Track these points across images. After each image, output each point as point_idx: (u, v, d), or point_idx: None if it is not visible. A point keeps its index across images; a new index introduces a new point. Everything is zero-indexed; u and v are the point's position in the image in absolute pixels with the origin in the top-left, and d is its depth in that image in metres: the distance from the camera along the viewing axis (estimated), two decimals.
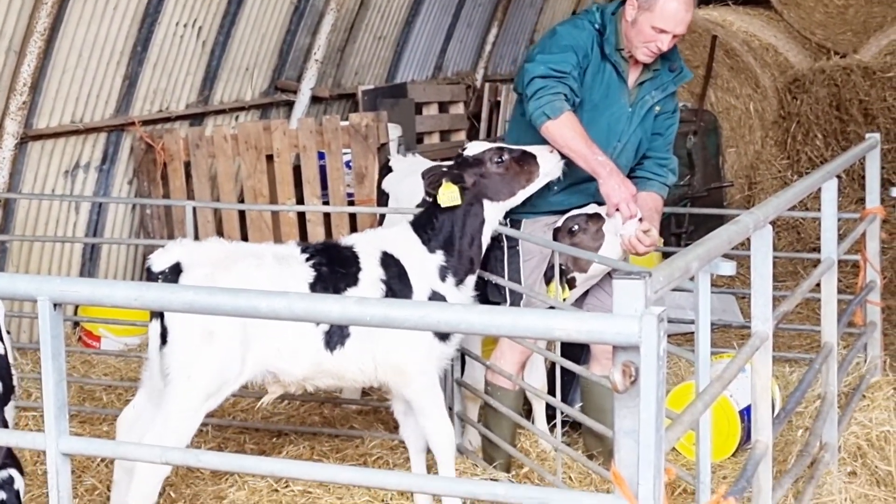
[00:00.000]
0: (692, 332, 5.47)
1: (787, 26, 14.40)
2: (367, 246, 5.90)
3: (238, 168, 9.66)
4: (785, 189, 5.24)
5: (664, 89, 6.15)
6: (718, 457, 6.52)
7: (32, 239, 8.73)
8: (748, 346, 4.31)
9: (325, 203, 9.20)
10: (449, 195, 5.78)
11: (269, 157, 9.36)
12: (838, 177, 6.13)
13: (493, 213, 5.92)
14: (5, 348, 4.78)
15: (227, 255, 5.70)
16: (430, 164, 8.09)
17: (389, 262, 5.81)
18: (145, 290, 3.41)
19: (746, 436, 6.61)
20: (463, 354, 6.72)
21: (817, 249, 6.45)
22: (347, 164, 9.23)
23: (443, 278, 5.85)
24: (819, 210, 6.08)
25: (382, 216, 7.79)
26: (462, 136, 13.97)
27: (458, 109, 14.06)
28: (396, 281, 5.78)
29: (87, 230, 9.47)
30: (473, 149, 5.96)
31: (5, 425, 4.41)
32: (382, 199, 8.08)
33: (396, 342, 5.69)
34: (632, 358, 2.90)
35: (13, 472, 4.35)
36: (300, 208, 8.87)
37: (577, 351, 6.88)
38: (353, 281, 5.72)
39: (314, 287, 5.64)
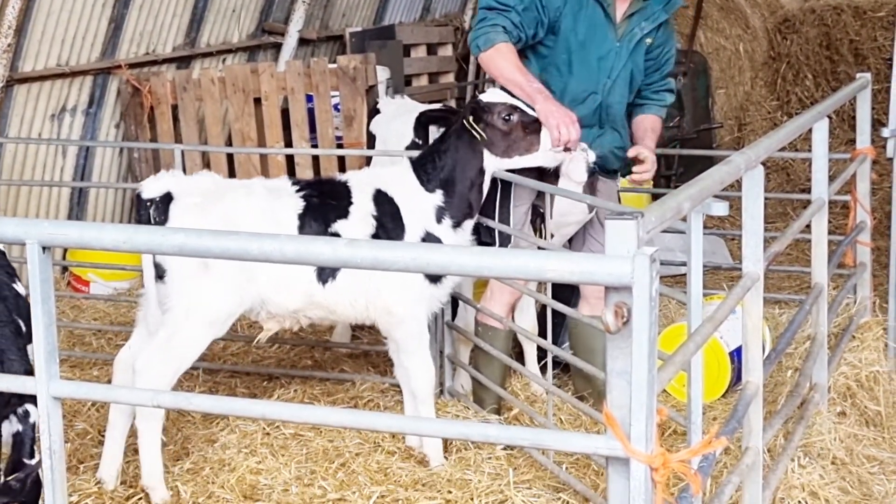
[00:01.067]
0: (682, 274, 5.47)
1: None
2: (361, 182, 5.92)
3: (226, 111, 9.61)
4: (776, 130, 5.22)
5: (654, 19, 6.09)
6: (709, 398, 6.55)
7: (19, 183, 8.69)
8: (739, 286, 4.31)
9: (314, 146, 9.17)
10: (476, 129, 5.82)
11: (257, 100, 9.31)
12: (829, 117, 6.11)
13: (492, 165, 5.90)
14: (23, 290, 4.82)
15: (217, 187, 5.76)
16: (418, 105, 8.07)
17: (382, 199, 5.82)
18: (134, 232, 3.39)
19: (736, 377, 6.63)
20: (454, 297, 6.72)
21: (807, 190, 6.44)
22: (336, 107, 9.18)
23: (439, 219, 5.85)
24: (809, 151, 6.06)
25: (370, 159, 7.77)
26: (450, 77, 13.91)
27: (447, 51, 13.98)
28: (388, 218, 5.78)
29: (75, 174, 9.43)
30: (489, 96, 5.93)
31: (29, 364, 4.45)
32: (370, 141, 8.05)
33: (387, 282, 5.71)
34: (624, 299, 2.89)
35: (29, 406, 4.46)
36: (288, 151, 8.83)
37: (567, 293, 6.88)
38: (343, 214, 5.74)
39: (303, 217, 5.68)
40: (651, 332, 2.90)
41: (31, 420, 4.51)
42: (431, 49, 13.66)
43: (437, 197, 5.85)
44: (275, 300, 5.72)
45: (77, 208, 9.48)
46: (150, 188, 5.65)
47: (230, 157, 9.20)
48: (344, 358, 7.59)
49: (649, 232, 3.06)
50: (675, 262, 8.18)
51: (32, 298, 3.46)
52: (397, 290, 5.75)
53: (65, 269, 9.21)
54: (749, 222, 4.43)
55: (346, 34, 12.05)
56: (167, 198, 5.61)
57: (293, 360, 7.65)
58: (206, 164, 9.23)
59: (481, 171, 5.88)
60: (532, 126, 5.82)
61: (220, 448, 6.13)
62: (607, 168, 6.26)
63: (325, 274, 5.69)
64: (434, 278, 5.80)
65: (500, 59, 5.83)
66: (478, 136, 5.80)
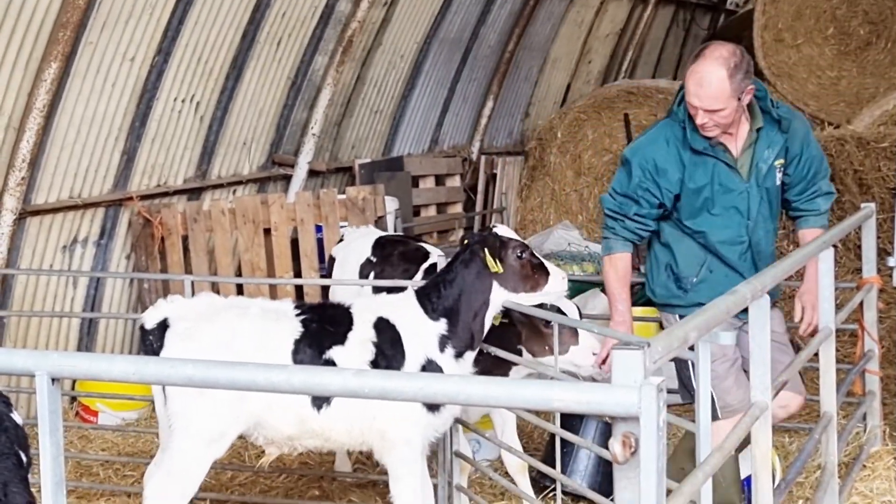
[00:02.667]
0: (691, 403, 5.46)
1: (781, 97, 14.46)
2: (364, 308, 5.94)
3: (236, 242, 9.68)
4: (781, 259, 5.25)
5: (774, 143, 5.92)
6: None
7: (30, 314, 8.73)
8: (748, 416, 4.30)
9: (323, 276, 9.21)
10: (491, 262, 5.86)
11: (267, 231, 9.39)
12: (834, 246, 6.14)
13: (498, 298, 5.95)
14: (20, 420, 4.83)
15: (213, 307, 5.82)
16: (377, 231, 8.21)
17: (383, 326, 5.82)
18: (143, 364, 3.40)
19: None
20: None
21: None
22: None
23: (441, 348, 5.84)
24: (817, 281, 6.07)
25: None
26: (458, 208, 14.02)
27: (455, 182, 14.12)
28: (388, 345, 5.78)
29: (85, 305, 9.47)
30: (502, 231, 6.05)
31: (31, 496, 4.43)
32: (330, 264, 8.13)
33: (384, 407, 5.67)
34: (631, 428, 2.89)
35: None
36: (298, 281, 8.88)
37: (575, 421, 6.88)
38: (341, 340, 5.75)
39: (299, 343, 5.71)
40: (659, 462, 2.89)
41: None
42: (439, 180, 13.80)
43: (441, 325, 5.86)
44: (269, 423, 5.72)
45: (87, 338, 9.51)
46: (151, 318, 5.78)
47: (240, 286, 9.25)
48: (352, 487, 7.54)
49: (656, 362, 3.07)
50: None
51: (41, 429, 3.46)
52: (394, 416, 5.71)
53: (73, 399, 9.20)
54: (756, 351, 4.43)
55: (356, 165, 12.19)
56: (163, 325, 5.72)
57: (301, 489, 7.60)
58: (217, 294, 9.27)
59: (486, 303, 5.92)
60: (539, 267, 5.98)
61: None
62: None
63: (320, 399, 5.68)
64: (432, 406, 5.77)
65: (609, 269, 6.05)
66: (497, 268, 5.87)
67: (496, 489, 7.31)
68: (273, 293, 9.26)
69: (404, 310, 5.91)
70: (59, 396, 3.50)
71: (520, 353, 6.46)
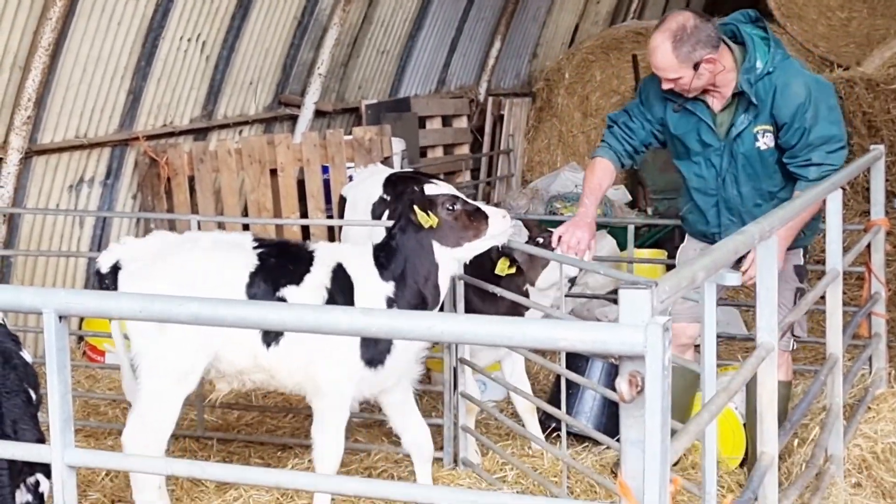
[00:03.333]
0: (697, 345, 5.46)
1: (791, 39, 14.36)
2: (326, 253, 5.94)
3: (242, 182, 9.67)
4: (790, 200, 5.24)
5: (752, 109, 5.98)
6: (725, 468, 6.50)
7: (37, 253, 8.74)
8: (753, 357, 4.30)
9: (329, 217, 9.21)
10: (424, 217, 5.77)
11: (273, 171, 9.38)
12: (843, 189, 6.12)
13: (446, 258, 5.85)
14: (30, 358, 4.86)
15: (165, 245, 5.85)
16: (389, 170, 8.16)
17: (340, 276, 5.83)
18: (150, 302, 3.41)
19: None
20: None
21: (823, 261, 6.44)
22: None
23: (389, 307, 5.80)
24: (824, 222, 6.07)
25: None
26: (465, 149, 13.98)
27: (462, 123, 14.07)
28: (340, 296, 5.78)
29: (92, 244, 9.48)
30: (432, 189, 5.98)
31: (41, 433, 4.47)
32: (341, 204, 8.09)
33: (322, 354, 5.70)
34: (637, 367, 2.89)
35: (40, 476, 4.48)
36: (304, 222, 8.88)
37: (580, 362, 6.90)
38: (297, 280, 5.76)
39: (254, 276, 5.73)
40: (664, 401, 2.90)
41: (41, 490, 4.51)
42: (447, 121, 13.75)
43: (389, 287, 5.83)
44: (225, 357, 5.76)
45: (93, 278, 9.51)
46: (104, 261, 5.83)
47: (246, 227, 9.24)
48: (358, 428, 7.57)
49: (663, 301, 3.07)
50: None
51: (48, 367, 3.47)
52: (330, 364, 5.73)
53: (80, 338, 9.23)
54: (763, 292, 4.43)
55: (362, 106, 12.14)
56: (115, 268, 5.77)
57: (307, 429, 7.61)
58: None
59: (434, 264, 5.83)
60: (475, 214, 5.83)
61: None
62: None
63: (270, 337, 5.71)
64: (373, 363, 5.78)
65: (588, 171, 6.38)
66: (431, 220, 5.75)
67: (502, 430, 7.34)
68: (280, 234, 9.26)
69: (362, 264, 5.88)
70: (67, 334, 3.51)
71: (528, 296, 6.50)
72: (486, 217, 5.81)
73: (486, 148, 14.44)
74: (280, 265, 5.80)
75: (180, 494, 6.42)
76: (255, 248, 5.85)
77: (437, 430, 7.11)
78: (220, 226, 9.22)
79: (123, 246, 5.93)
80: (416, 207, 5.77)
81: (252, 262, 5.77)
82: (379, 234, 7.10)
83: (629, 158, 6.33)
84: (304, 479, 3.82)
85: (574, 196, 11.78)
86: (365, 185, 7.81)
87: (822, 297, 5.95)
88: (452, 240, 5.80)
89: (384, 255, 5.87)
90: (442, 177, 12.32)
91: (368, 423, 7.62)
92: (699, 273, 3.50)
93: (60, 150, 8.91)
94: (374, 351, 5.76)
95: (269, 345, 5.72)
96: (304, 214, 9.29)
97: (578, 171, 13.36)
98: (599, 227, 10.54)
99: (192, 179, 9.59)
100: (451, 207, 5.79)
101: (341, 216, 8.02)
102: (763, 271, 4.43)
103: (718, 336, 5.54)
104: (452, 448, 6.80)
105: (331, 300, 5.72)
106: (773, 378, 4.50)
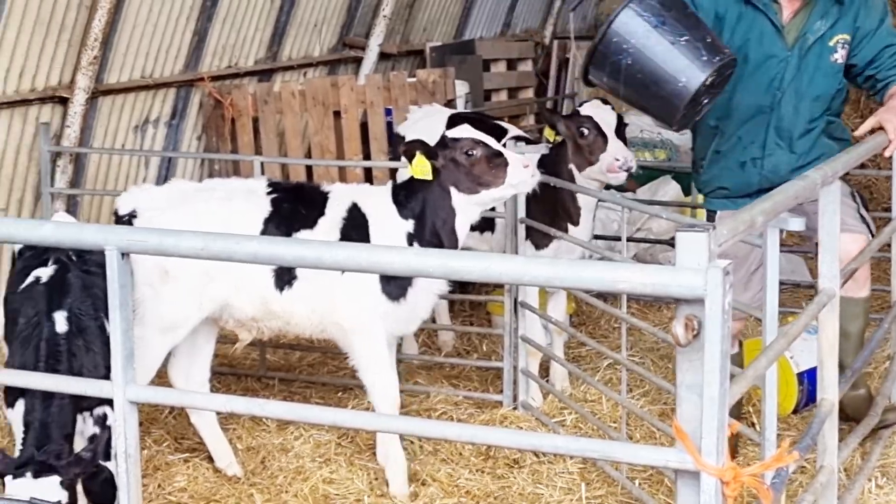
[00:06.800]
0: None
1: None
2: (341, 194, 5.87)
3: (305, 124, 9.68)
4: (855, 145, 5.16)
5: (830, 15, 5.60)
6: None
7: (103, 193, 8.82)
8: (814, 303, 4.27)
9: (392, 159, 9.20)
10: (420, 168, 5.70)
11: (337, 114, 9.37)
12: None
13: (464, 204, 5.73)
14: None
15: (181, 193, 5.86)
16: (447, 110, 8.13)
17: (356, 214, 5.76)
18: (211, 240, 3.42)
19: (806, 399, 6.57)
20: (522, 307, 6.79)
21: (890, 209, 6.36)
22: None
23: (409, 244, 5.73)
24: (892, 169, 5.98)
25: None
26: (530, 93, 13.91)
27: (527, 67, 13.98)
28: (354, 232, 5.70)
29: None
30: (456, 132, 5.79)
31: (108, 360, 4.56)
32: (398, 143, 8.06)
33: (343, 293, 5.64)
34: (695, 311, 2.87)
35: (108, 409, 4.62)
36: (367, 164, 8.88)
37: None
38: (311, 224, 5.72)
39: (268, 222, 5.70)
40: (723, 346, 2.88)
41: (108, 423, 4.59)
42: (511, 64, 13.67)
43: (409, 225, 5.74)
44: (235, 305, 5.76)
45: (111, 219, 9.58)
46: (123, 204, 5.88)
47: (309, 169, 9.27)
48: (418, 370, 7.61)
49: (721, 245, 3.04)
50: None
51: (111, 303, 3.52)
52: (351, 302, 5.66)
53: None
54: (826, 238, 4.38)
55: (427, 49, 12.10)
56: (132, 215, 5.80)
57: None
58: (286, 176, 9.31)
59: (452, 209, 5.71)
60: (494, 158, 5.66)
61: (293, 457, 6.19)
62: None
63: (283, 280, 5.66)
64: (394, 295, 5.69)
65: None
66: (424, 173, 5.63)
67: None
68: (342, 176, 9.27)
69: (379, 203, 5.80)
70: (129, 271, 3.55)
71: (572, 176, 6.63)
72: (506, 164, 5.64)
73: (550, 92, 14.35)
74: (293, 210, 5.76)
75: (242, 433, 6.49)
76: (268, 193, 5.82)
77: (496, 374, 7.15)
78: (284, 167, 9.26)
79: (142, 192, 5.95)
80: (416, 154, 5.67)
81: (266, 208, 5.75)
82: None
83: None
84: (361, 419, 3.85)
85: (639, 141, 11.69)
86: (424, 124, 7.78)
87: (888, 245, 5.88)
88: (470, 186, 5.67)
89: (404, 194, 5.79)
90: (507, 120, 12.27)
91: (428, 366, 7.66)
92: (758, 217, 3.46)
93: (126, 90, 8.95)
94: (395, 283, 5.68)
95: (281, 289, 5.68)
96: (366, 156, 9.29)
97: (643, 115, 13.24)
98: (663, 172, 10.50)
99: (255, 121, 9.61)
100: (469, 153, 5.64)
101: (396, 155, 8.00)
102: (826, 217, 4.37)
103: (782, 283, 5.49)
104: (512, 391, 6.82)
105: (345, 239, 5.62)
106: (835, 325, 4.46)
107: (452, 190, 5.70)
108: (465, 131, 5.75)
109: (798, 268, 9.58)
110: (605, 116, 6.73)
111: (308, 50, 10.88)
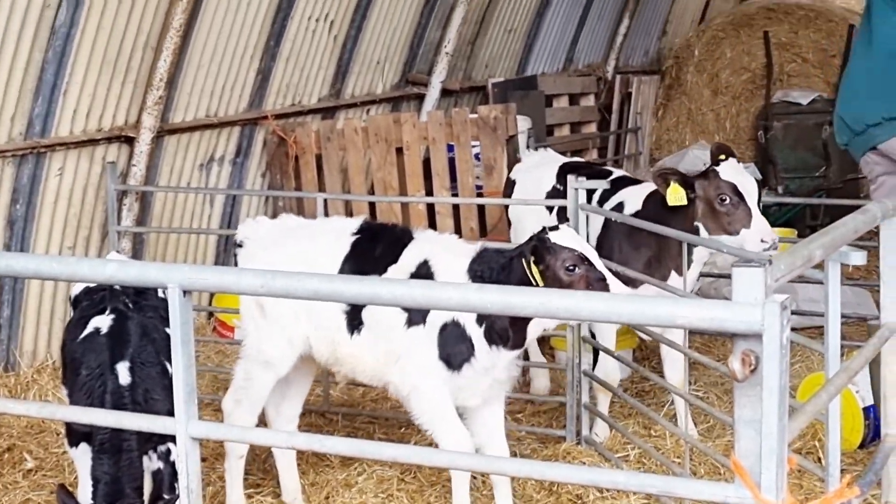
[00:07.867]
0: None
1: None
2: (420, 244, 5.66)
3: (368, 160, 9.75)
4: None
5: None
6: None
7: (168, 230, 8.92)
8: (877, 337, 4.22)
9: (454, 195, 9.24)
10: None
11: (399, 150, 9.43)
12: None
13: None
14: None
15: (279, 232, 5.94)
16: (560, 157, 8.10)
17: (424, 271, 5.52)
18: (271, 278, 3.45)
19: (872, 434, 6.49)
20: (595, 348, 6.76)
21: None
22: (476, 157, 9.26)
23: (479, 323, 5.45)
24: None
25: (507, 207, 7.88)
26: (592, 128, 13.92)
27: (589, 101, 14.01)
28: None
29: (222, 222, 9.64)
30: (561, 235, 5.31)
31: (171, 402, 4.62)
32: (509, 187, 8.07)
33: (400, 349, 5.51)
34: (752, 346, 2.86)
35: (171, 445, 4.66)
36: (429, 200, 8.93)
37: None
38: (382, 269, 5.61)
39: (345, 263, 5.68)
40: (782, 380, 2.86)
41: (172, 458, 4.64)
42: (574, 99, 13.70)
43: None
44: (315, 346, 5.78)
45: (224, 255, 9.69)
46: (239, 234, 6.07)
47: (372, 205, 9.33)
48: None
49: (778, 280, 3.03)
50: (818, 313, 8.03)
51: (172, 340, 3.55)
52: (411, 363, 5.49)
53: (211, 314, 9.41)
54: (888, 272, 4.34)
55: (489, 84, 12.16)
56: (240, 245, 6.01)
57: None
58: (349, 213, 9.38)
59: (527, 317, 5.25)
60: (598, 284, 5.17)
61: (357, 492, 6.20)
62: None
63: (352, 325, 5.58)
64: (452, 365, 5.43)
65: None
66: (533, 281, 5.24)
67: (626, 408, 7.30)
68: (405, 212, 9.32)
69: (452, 267, 5.52)
70: (191, 308, 3.58)
71: (696, 232, 6.31)
72: (606, 288, 5.17)
73: (613, 126, 14.36)
74: (369, 253, 5.66)
75: (306, 469, 6.52)
76: (353, 233, 5.76)
77: (560, 409, 7.13)
78: (347, 204, 9.32)
79: (250, 225, 6.06)
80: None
81: (344, 249, 5.71)
82: (546, 217, 7.08)
83: None
84: (422, 454, 3.85)
85: None
86: (537, 174, 7.73)
87: None
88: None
89: (483, 269, 5.46)
90: (569, 155, 12.31)
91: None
92: (816, 251, 3.44)
93: (191, 129, 9.07)
94: (453, 353, 5.44)
95: (351, 333, 5.60)
96: (429, 192, 9.34)
97: (706, 148, 13.20)
98: None
99: (319, 158, 9.69)
100: (570, 268, 5.20)
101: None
102: (888, 251, 4.33)
103: (846, 317, 5.45)
104: (574, 426, 6.80)
105: None
106: None
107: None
108: (568, 238, 5.31)
109: (864, 301, 9.49)
110: (747, 185, 6.34)
111: (371, 87, 10.97)
